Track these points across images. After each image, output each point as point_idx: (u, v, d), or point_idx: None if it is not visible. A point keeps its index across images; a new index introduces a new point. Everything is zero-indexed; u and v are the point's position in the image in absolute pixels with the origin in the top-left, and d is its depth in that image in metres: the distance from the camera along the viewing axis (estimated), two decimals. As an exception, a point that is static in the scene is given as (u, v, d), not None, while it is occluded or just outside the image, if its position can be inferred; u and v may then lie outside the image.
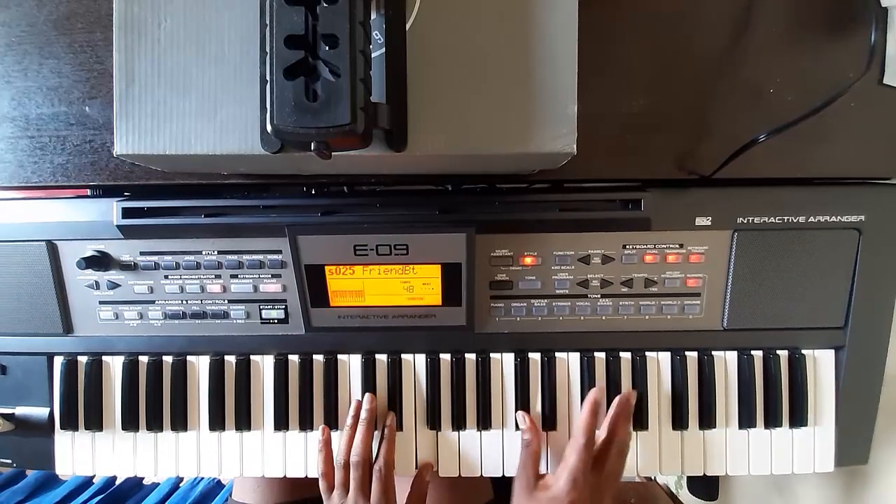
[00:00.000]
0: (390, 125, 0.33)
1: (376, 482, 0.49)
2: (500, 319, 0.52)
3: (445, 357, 0.53)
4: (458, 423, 0.52)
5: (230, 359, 0.53)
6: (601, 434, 0.49)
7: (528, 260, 0.50)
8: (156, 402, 0.53)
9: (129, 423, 0.53)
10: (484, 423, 0.52)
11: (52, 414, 0.53)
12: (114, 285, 0.51)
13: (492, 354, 0.53)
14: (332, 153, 0.31)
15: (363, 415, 0.51)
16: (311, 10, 0.29)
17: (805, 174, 0.48)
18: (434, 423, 0.52)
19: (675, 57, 0.47)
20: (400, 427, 0.53)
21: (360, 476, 0.49)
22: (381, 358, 0.53)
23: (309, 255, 0.48)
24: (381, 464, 0.50)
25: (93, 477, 0.77)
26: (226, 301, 0.52)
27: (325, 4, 0.29)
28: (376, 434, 0.52)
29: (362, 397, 0.52)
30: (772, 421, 0.51)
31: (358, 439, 0.50)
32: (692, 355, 0.52)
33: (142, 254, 0.50)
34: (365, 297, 0.50)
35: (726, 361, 0.52)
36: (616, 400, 0.50)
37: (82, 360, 0.53)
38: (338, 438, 0.52)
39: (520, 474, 0.49)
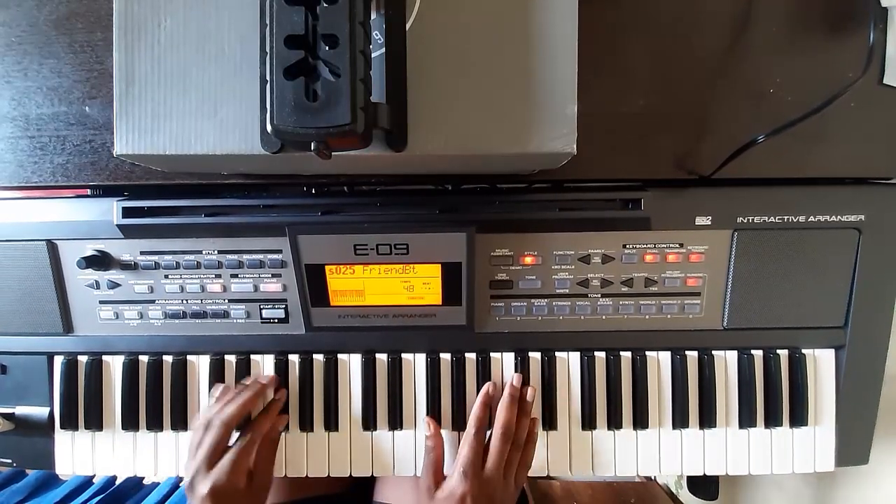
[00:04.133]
0: (390, 125, 0.33)
1: (233, 450, 0.44)
2: (501, 319, 0.52)
3: (446, 356, 0.53)
4: (459, 423, 0.52)
5: (230, 358, 0.53)
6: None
7: (528, 259, 0.50)
8: (156, 402, 0.53)
9: (130, 423, 0.53)
10: (484, 422, 0.52)
11: (52, 413, 0.53)
12: (114, 285, 0.51)
13: (492, 354, 0.53)
14: (332, 153, 0.31)
15: (252, 383, 0.48)
16: (311, 10, 0.29)
17: (805, 174, 0.48)
18: (434, 422, 0.52)
19: (675, 57, 0.47)
20: (400, 426, 0.53)
21: (213, 440, 0.43)
22: (382, 357, 0.53)
23: (309, 255, 0.48)
24: (250, 430, 0.45)
25: (93, 477, 0.77)
26: (226, 301, 0.52)
27: (325, 4, 0.29)
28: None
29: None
30: (772, 420, 0.51)
31: (233, 402, 0.45)
32: (692, 355, 0.52)
33: (142, 253, 0.50)
34: (365, 297, 0.50)
35: (726, 361, 0.52)
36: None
37: (82, 359, 0.53)
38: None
39: (422, 479, 0.49)
